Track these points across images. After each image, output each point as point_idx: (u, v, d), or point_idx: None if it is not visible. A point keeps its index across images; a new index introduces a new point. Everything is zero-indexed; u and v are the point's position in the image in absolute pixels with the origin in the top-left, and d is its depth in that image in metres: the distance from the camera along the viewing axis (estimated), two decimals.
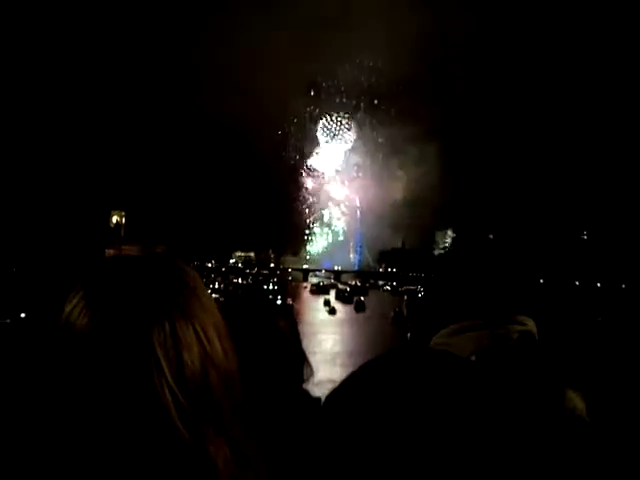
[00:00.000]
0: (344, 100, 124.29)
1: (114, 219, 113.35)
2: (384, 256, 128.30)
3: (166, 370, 0.69)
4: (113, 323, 0.69)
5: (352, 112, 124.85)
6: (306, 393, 1.53)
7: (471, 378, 0.44)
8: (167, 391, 0.68)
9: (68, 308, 0.73)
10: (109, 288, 0.73)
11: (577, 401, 1.19)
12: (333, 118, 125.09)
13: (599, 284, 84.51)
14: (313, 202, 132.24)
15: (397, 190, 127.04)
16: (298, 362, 1.52)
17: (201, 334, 0.73)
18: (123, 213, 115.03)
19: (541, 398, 1.07)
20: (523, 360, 1.24)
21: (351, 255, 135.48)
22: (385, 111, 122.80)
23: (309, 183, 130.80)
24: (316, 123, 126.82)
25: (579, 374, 1.29)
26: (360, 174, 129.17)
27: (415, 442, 0.40)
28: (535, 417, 0.45)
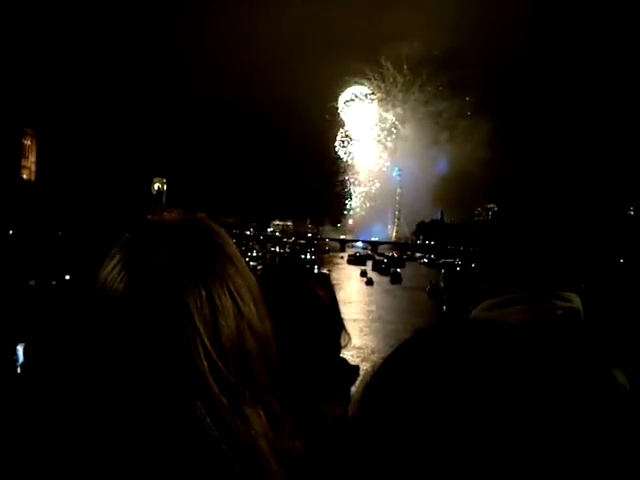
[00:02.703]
0: (395, 71, 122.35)
1: (156, 186, 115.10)
2: (422, 228, 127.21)
3: (203, 335, 0.69)
4: (150, 287, 0.69)
5: (402, 84, 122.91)
6: (344, 361, 1.53)
7: (522, 347, 0.43)
8: (204, 356, 0.68)
9: (105, 271, 0.73)
10: (146, 251, 0.73)
11: (624, 380, 1.17)
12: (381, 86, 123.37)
13: None
14: (353, 172, 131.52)
15: (440, 163, 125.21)
16: (336, 330, 1.52)
17: (237, 298, 0.73)
18: (164, 180, 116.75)
19: (589, 375, 1.07)
20: (568, 336, 1.21)
21: (389, 226, 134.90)
22: (435, 84, 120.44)
23: (350, 153, 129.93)
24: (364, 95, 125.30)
25: (623, 353, 1.25)
26: (402, 145, 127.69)
27: (465, 415, 0.39)
28: (588, 391, 0.45)
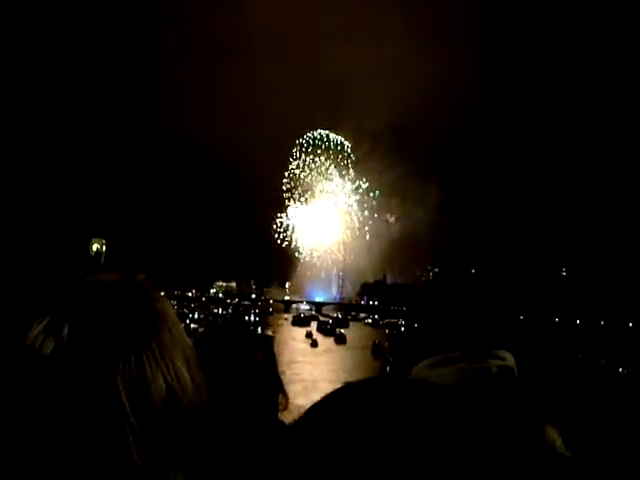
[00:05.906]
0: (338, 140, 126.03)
1: (94, 247, 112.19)
2: (366, 289, 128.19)
3: (129, 405, 0.66)
4: (76, 351, 0.66)
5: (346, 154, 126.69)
6: (282, 424, 1.52)
7: (450, 408, 0.43)
8: (127, 426, 0.65)
9: (33, 334, 0.69)
10: (75, 313, 0.70)
11: (556, 437, 1.20)
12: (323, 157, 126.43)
13: (578, 321, 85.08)
14: (297, 234, 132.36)
15: (383, 226, 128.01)
16: (273, 392, 1.52)
17: (169, 365, 0.70)
18: (104, 241, 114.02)
19: (520, 433, 1.04)
20: (502, 394, 1.24)
21: (333, 287, 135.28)
22: (377, 153, 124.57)
23: (294, 215, 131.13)
24: (307, 159, 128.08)
25: (558, 410, 1.30)
26: (351, 209, 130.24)
27: (388, 472, 0.38)
28: (515, 451, 0.42)
